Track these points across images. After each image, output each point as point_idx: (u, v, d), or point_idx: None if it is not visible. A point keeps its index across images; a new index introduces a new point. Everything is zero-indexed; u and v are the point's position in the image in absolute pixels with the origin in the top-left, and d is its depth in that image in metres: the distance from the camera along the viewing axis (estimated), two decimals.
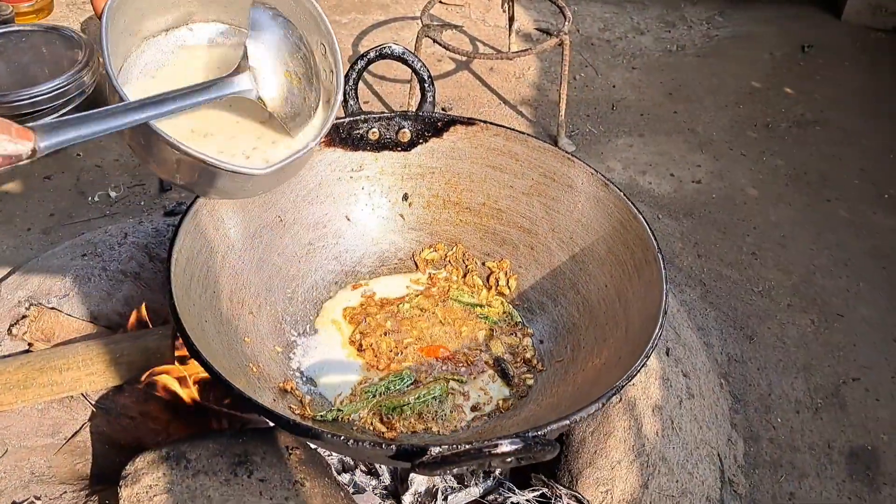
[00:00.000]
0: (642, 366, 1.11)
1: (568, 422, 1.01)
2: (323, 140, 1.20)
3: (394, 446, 0.96)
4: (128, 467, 1.15)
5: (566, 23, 2.43)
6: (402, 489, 1.40)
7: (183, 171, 1.09)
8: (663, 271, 1.27)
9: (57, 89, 2.30)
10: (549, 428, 0.99)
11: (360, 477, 1.42)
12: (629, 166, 2.54)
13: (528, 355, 1.46)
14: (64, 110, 2.34)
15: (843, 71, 3.07)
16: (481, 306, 1.55)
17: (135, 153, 1.15)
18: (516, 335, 1.50)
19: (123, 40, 1.12)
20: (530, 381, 1.41)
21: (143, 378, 1.40)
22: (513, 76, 2.92)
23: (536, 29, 3.17)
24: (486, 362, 1.45)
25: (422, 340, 1.47)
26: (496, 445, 0.89)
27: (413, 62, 1.51)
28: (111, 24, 1.03)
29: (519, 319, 1.53)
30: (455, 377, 1.40)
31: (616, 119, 2.76)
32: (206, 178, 1.10)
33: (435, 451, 0.94)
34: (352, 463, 1.44)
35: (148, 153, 1.08)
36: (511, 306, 1.55)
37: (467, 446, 0.91)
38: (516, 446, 0.90)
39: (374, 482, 1.42)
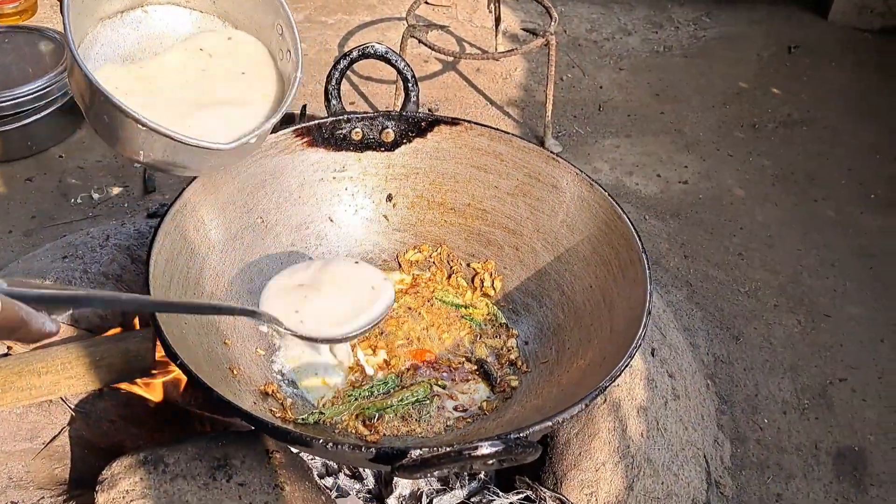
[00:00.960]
0: (626, 366, 1.10)
1: (550, 423, 1.00)
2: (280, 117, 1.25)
3: (373, 449, 0.95)
4: (104, 472, 1.13)
5: (552, 23, 2.42)
6: (386, 493, 1.39)
7: (147, 148, 1.13)
8: (647, 271, 1.26)
9: (40, 90, 2.29)
10: (531, 430, 0.98)
11: (343, 481, 1.40)
12: (616, 167, 2.54)
13: (512, 357, 1.45)
14: (47, 111, 2.32)
15: (829, 71, 3.07)
16: (466, 307, 1.53)
17: (99, 134, 1.19)
18: (501, 337, 1.49)
19: (81, 21, 1.16)
20: (515, 383, 1.40)
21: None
22: (499, 77, 2.92)
23: (523, 29, 3.16)
24: (469, 365, 1.43)
25: (410, 343, 1.46)
26: (476, 447, 0.88)
27: (396, 61, 1.50)
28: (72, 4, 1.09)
29: (504, 321, 1.52)
30: (439, 381, 1.39)
31: (603, 120, 2.76)
32: (169, 153, 1.14)
33: (415, 453, 0.93)
34: (335, 467, 1.42)
35: (112, 132, 1.12)
36: (496, 307, 1.54)
37: (448, 448, 0.90)
38: (497, 448, 0.89)
39: (357, 486, 1.41)
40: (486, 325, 1.51)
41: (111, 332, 1.49)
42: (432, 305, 1.53)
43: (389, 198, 1.61)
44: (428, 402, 1.35)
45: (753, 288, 2.12)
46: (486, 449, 0.89)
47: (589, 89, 2.92)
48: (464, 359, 1.45)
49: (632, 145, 2.64)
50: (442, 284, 1.58)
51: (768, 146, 2.66)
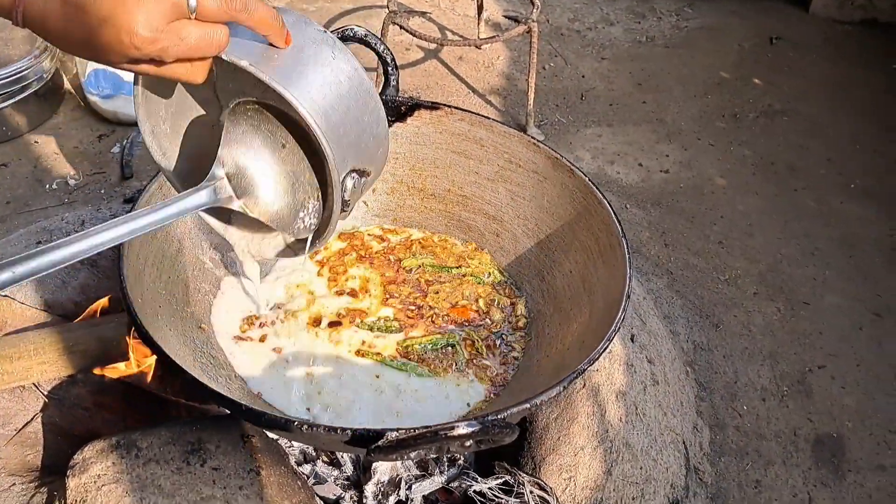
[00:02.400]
0: (604, 349, 1.09)
1: (528, 405, 0.99)
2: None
3: (349, 431, 0.94)
4: (76, 456, 1.11)
5: (534, 10, 2.41)
6: (364, 479, 1.38)
7: None
8: (627, 255, 1.25)
9: (14, 75, 2.25)
10: (508, 412, 0.97)
11: (321, 468, 1.39)
12: (598, 156, 2.53)
13: (521, 323, 1.44)
14: (22, 95, 2.29)
15: (810, 62, 3.08)
16: (458, 267, 1.53)
17: None
18: (509, 303, 1.48)
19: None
20: (517, 354, 1.40)
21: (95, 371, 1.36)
22: (482, 65, 2.90)
23: (505, 17, 3.14)
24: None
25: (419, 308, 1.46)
26: (452, 428, 0.88)
27: (375, 44, 1.48)
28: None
29: (501, 278, 1.52)
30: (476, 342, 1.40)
31: (585, 109, 2.75)
32: None
33: (391, 435, 0.92)
34: (313, 454, 1.41)
35: None
36: (497, 271, 1.53)
37: (424, 429, 0.89)
38: (473, 429, 0.88)
39: (335, 473, 1.39)
40: (494, 290, 1.50)
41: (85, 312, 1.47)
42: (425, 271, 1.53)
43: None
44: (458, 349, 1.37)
45: (733, 276, 2.12)
46: (462, 429, 0.88)
47: (571, 78, 2.91)
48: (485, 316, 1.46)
49: (613, 134, 2.63)
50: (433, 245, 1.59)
51: (749, 136, 2.66)
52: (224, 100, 0.99)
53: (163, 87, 0.97)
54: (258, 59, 0.86)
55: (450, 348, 1.36)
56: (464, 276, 1.51)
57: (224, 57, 0.84)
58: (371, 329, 1.39)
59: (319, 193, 1.04)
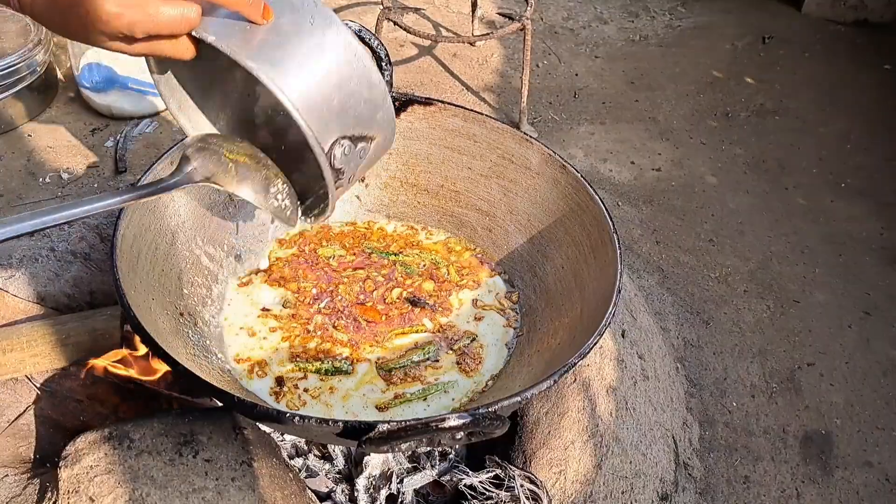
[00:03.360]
0: (595, 343, 1.10)
1: (519, 398, 1.00)
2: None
3: (341, 423, 0.94)
4: (68, 447, 1.11)
5: (529, 8, 2.42)
6: (356, 472, 1.39)
7: None
8: (618, 251, 1.26)
9: (7, 68, 2.25)
10: (499, 404, 0.98)
11: (313, 461, 1.40)
12: (590, 154, 2.54)
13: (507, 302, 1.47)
14: (15, 89, 2.28)
15: (802, 62, 3.09)
16: (396, 254, 1.54)
17: None
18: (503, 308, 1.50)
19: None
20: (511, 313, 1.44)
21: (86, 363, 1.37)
22: (476, 63, 2.91)
23: (499, 14, 3.15)
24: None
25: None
26: (444, 420, 0.88)
27: (369, 40, 1.48)
28: None
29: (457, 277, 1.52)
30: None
31: (578, 107, 2.76)
32: None
33: (383, 427, 0.92)
34: (305, 447, 1.42)
35: None
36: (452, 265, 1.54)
37: (415, 421, 0.90)
38: (464, 420, 0.89)
39: (327, 466, 1.40)
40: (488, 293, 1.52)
41: None
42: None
43: (362, 178, 1.60)
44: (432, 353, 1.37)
45: (724, 274, 2.13)
46: (453, 421, 0.88)
47: (565, 76, 2.92)
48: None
49: (606, 132, 2.64)
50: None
51: (741, 135, 2.68)
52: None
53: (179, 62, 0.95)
54: (231, 33, 0.84)
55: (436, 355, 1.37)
56: (394, 263, 1.52)
57: (194, 33, 0.84)
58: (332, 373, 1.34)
59: (283, 176, 1.05)
